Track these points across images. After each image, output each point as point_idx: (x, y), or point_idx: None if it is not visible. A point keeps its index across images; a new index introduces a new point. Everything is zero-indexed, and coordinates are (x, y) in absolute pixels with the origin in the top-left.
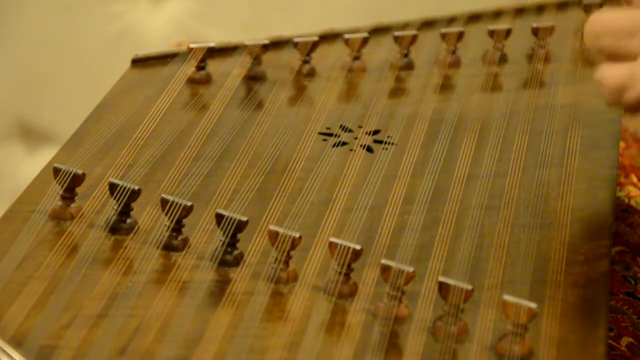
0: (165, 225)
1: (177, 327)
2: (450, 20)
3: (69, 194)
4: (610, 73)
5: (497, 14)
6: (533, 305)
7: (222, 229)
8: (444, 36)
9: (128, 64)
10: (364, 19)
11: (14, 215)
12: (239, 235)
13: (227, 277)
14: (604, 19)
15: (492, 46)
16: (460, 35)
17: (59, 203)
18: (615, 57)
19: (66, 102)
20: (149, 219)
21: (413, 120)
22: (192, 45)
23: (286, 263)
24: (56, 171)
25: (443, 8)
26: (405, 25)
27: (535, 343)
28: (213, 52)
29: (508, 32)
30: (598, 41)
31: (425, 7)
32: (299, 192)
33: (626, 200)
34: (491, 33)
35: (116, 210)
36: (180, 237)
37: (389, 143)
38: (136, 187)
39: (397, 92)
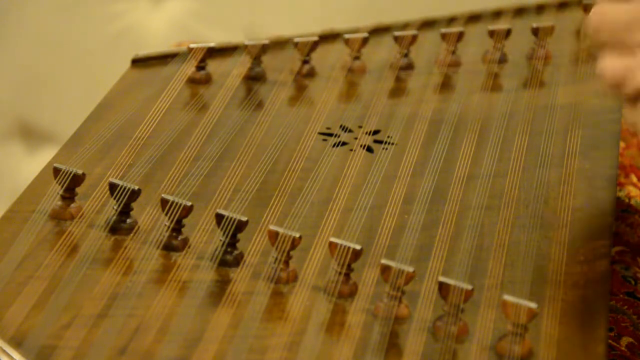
0: (165, 225)
1: (177, 327)
2: (450, 20)
3: (69, 194)
4: (611, 65)
5: (497, 14)
6: (533, 305)
7: (222, 229)
8: (444, 36)
9: (128, 64)
10: (364, 19)
11: (14, 215)
12: (239, 235)
13: (227, 277)
14: (605, 12)
15: (492, 46)
16: (460, 35)
17: (59, 203)
18: (615, 49)
19: (66, 102)
20: (149, 219)
21: (413, 120)
22: (192, 45)
23: (286, 263)
24: (56, 171)
25: (443, 8)
26: (405, 25)
27: (535, 343)
28: (213, 52)
29: (508, 32)
30: (599, 33)
31: (425, 7)
32: (299, 192)
33: (626, 200)
34: (491, 33)
35: (116, 210)
36: (180, 237)
37: (389, 143)
38: (136, 187)
39: (397, 92)
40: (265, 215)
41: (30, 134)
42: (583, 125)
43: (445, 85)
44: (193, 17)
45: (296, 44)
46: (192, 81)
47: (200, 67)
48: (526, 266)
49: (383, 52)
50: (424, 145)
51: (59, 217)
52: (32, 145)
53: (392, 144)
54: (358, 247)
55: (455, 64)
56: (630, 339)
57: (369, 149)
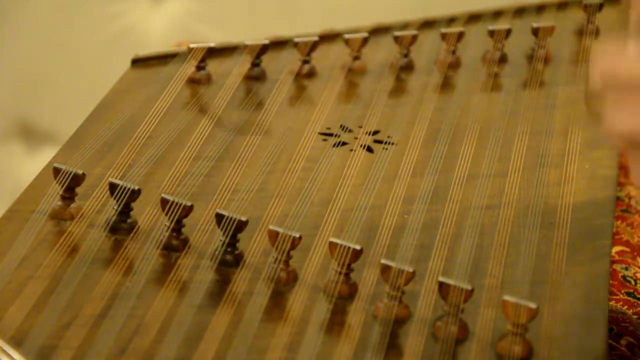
0: (165, 225)
1: (177, 327)
2: (450, 20)
3: (69, 194)
4: (622, 121)
5: (497, 14)
6: (533, 305)
7: (222, 229)
8: (444, 36)
9: (128, 64)
10: (364, 19)
11: (14, 215)
12: (239, 235)
13: (227, 277)
14: (618, 64)
15: (492, 46)
16: (460, 35)
17: (59, 203)
18: (627, 104)
19: (66, 102)
20: (149, 219)
21: (413, 120)
22: (192, 45)
23: (286, 263)
24: (56, 171)
25: (443, 8)
26: (405, 25)
27: (535, 343)
28: (213, 52)
29: (508, 32)
30: (607, 86)
31: (425, 7)
32: (299, 192)
33: (626, 200)
34: (491, 33)
35: (116, 210)
36: (180, 237)
37: (389, 143)
38: (136, 187)
39: (397, 92)
40: (265, 215)
41: (30, 134)
42: (583, 125)
43: (445, 85)
44: (193, 17)
45: (296, 44)
46: (192, 81)
47: (200, 67)
48: (526, 266)
49: (383, 52)
50: (424, 145)
51: (59, 217)
52: (32, 145)
53: (392, 144)
54: (358, 247)
55: (455, 64)
56: (630, 339)
57: (369, 149)
